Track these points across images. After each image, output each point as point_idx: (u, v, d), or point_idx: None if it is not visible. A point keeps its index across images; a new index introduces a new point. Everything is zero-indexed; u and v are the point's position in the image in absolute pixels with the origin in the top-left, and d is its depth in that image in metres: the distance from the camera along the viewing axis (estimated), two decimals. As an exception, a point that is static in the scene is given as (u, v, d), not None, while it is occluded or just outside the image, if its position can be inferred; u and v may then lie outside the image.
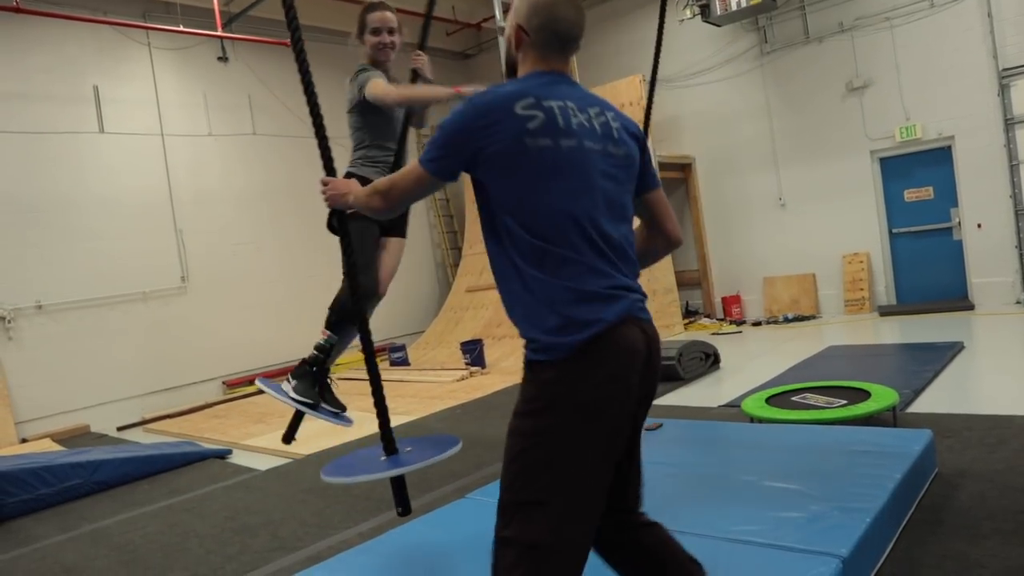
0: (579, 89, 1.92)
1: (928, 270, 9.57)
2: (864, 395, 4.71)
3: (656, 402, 6.30)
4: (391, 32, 3.29)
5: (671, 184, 10.99)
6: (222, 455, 6.53)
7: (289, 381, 3.15)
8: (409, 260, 12.97)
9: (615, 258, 1.77)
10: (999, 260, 8.87)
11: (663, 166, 10.50)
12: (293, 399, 3.06)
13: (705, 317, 11.08)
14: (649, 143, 9.47)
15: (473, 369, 9.11)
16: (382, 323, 12.23)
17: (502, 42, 5.79)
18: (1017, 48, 8.54)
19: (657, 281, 10.07)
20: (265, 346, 10.79)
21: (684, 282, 11.28)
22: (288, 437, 3.15)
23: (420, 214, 13.30)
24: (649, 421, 4.50)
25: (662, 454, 3.91)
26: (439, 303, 12.93)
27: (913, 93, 9.24)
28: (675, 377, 6.88)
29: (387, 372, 10.02)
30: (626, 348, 1.70)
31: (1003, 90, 8.66)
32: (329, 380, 3.27)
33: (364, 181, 3.08)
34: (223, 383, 10.31)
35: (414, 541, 3.19)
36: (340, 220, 2.84)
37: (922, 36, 9.09)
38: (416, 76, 3.40)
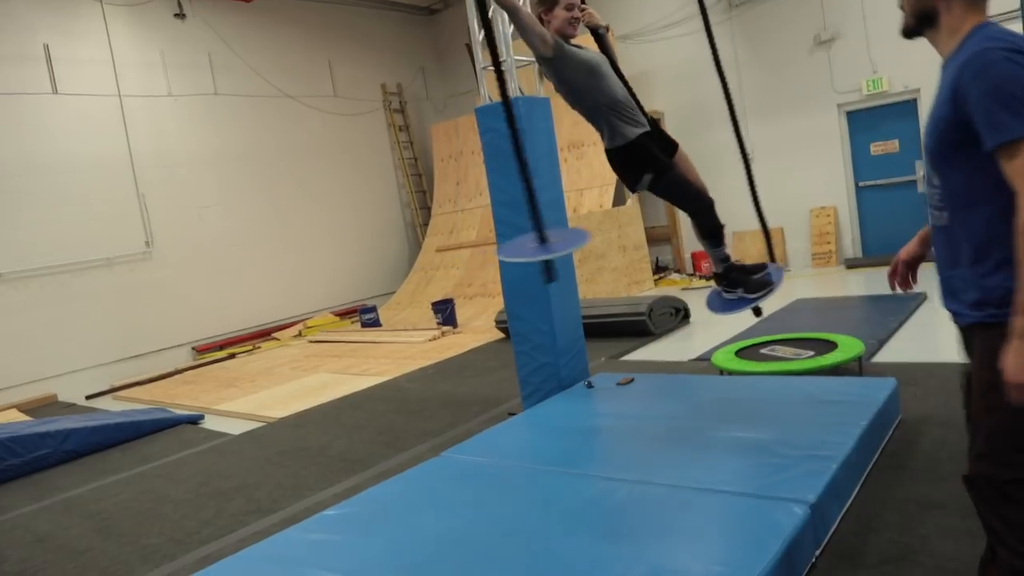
0: None
1: (893, 223, 9.69)
2: (831, 346, 4.80)
3: (627, 357, 6.39)
4: (579, 5, 3.37)
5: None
6: (194, 421, 6.49)
7: (729, 292, 3.66)
8: (378, 220, 12.97)
9: None
10: (961, 211, 9.00)
11: (632, 122, 10.46)
12: (753, 297, 3.58)
13: (675, 273, 11.16)
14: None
15: (445, 328, 9.11)
16: (352, 284, 12.18)
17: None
18: None
19: (627, 237, 10.10)
20: (234, 310, 10.68)
21: (654, 238, 11.32)
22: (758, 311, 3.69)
23: (388, 174, 13.13)
24: (620, 376, 4.55)
25: (634, 408, 3.96)
26: (409, 263, 12.86)
27: (880, 46, 9.25)
28: (646, 332, 6.95)
29: (358, 334, 10.00)
30: None
31: (967, 41, 8.70)
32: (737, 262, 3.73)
33: (620, 153, 3.36)
34: (193, 348, 10.20)
35: (389, 500, 3.20)
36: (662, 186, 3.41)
37: (889, -13, 9.08)
38: (596, 31, 3.56)
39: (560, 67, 3.26)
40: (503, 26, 5.04)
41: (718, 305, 3.71)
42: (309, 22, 11.96)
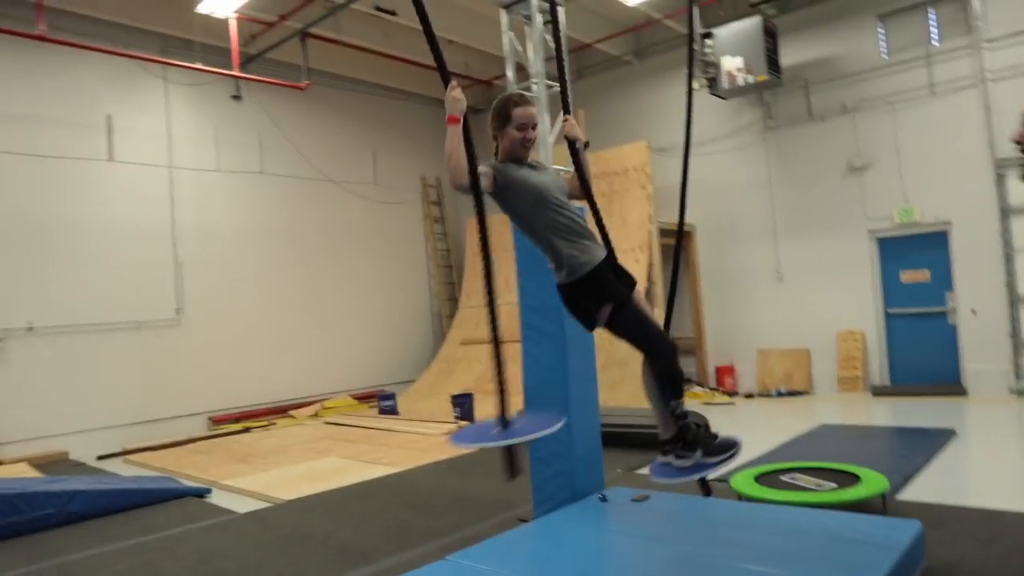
0: None
1: (922, 352, 9.57)
2: (854, 479, 4.67)
3: (643, 470, 6.24)
4: (534, 128, 3.19)
5: (669, 251, 11.05)
6: (201, 494, 6.42)
7: (682, 457, 3.09)
8: (405, 308, 13.10)
9: None
10: (993, 347, 8.89)
11: (663, 232, 10.61)
12: (714, 461, 3.06)
13: (698, 386, 11.04)
14: (650, 208, 9.50)
15: (462, 423, 9.02)
16: (374, 369, 12.20)
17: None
18: (1016, 141, 8.70)
19: (651, 345, 10.05)
20: (254, 383, 10.71)
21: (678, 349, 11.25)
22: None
23: (420, 264, 13.35)
24: (635, 492, 4.45)
25: (647, 528, 3.85)
26: (432, 353, 12.88)
27: (912, 176, 9.39)
28: (664, 445, 6.81)
29: (375, 420, 9.94)
30: None
31: (999, 179, 8.80)
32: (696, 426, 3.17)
33: (578, 285, 3.06)
34: (209, 419, 10.20)
35: (390, 602, 3.11)
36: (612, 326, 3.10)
37: (922, 121, 9.28)
38: (573, 144, 3.40)
39: (503, 196, 3.11)
40: (544, 135, 5.22)
41: (665, 473, 3.15)
42: (358, 111, 12.46)
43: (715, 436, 3.10)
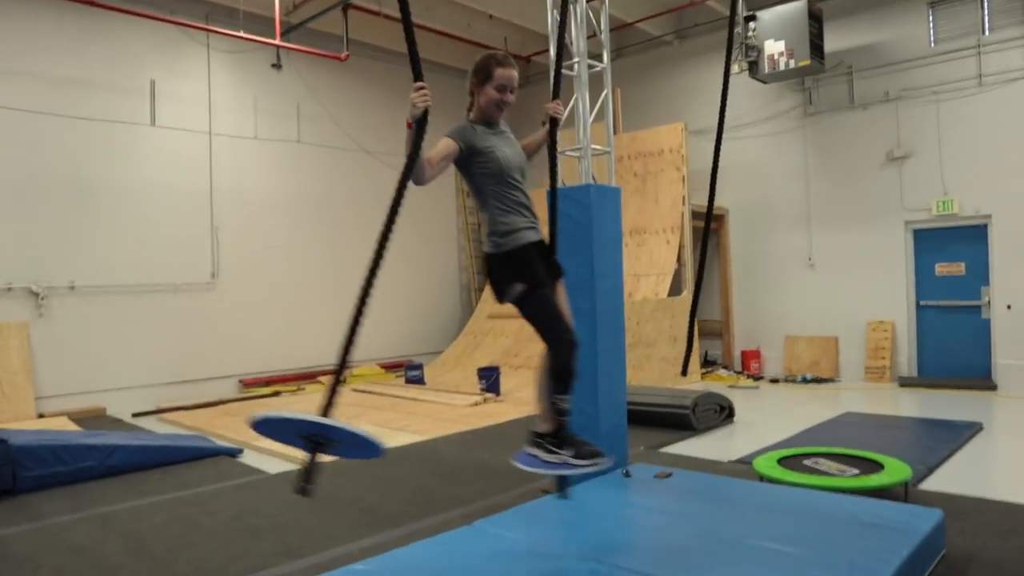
0: None
1: (953, 346, 9.49)
2: (877, 467, 4.69)
3: (666, 450, 6.30)
4: (512, 91, 3.19)
5: (701, 233, 11.02)
6: (233, 453, 6.61)
7: (553, 453, 3.09)
8: (434, 280, 13.20)
9: None
10: (1026, 344, 8.78)
11: (695, 215, 10.58)
12: (581, 464, 3.06)
13: (723, 368, 11.05)
14: (684, 190, 9.46)
15: (487, 395, 9.15)
16: (402, 339, 12.35)
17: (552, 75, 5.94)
18: (1063, 135, 8.53)
19: (679, 328, 10.08)
20: (284, 349, 10.92)
21: (706, 331, 11.27)
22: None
23: (451, 237, 13.45)
24: (658, 469, 4.52)
25: (669, 504, 3.93)
26: (460, 326, 13.01)
27: (953, 168, 9.25)
28: (688, 426, 6.88)
29: (402, 389, 10.10)
30: None
31: (1046, 175, 8.64)
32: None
33: (493, 260, 3.14)
34: (240, 381, 10.44)
35: (416, 563, 3.22)
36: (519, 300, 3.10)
37: (968, 113, 9.12)
38: (555, 126, 3.53)
39: (466, 163, 3.15)
40: (583, 113, 5.23)
41: (530, 463, 3.13)
42: (395, 84, 12.47)
43: (587, 442, 3.11)
